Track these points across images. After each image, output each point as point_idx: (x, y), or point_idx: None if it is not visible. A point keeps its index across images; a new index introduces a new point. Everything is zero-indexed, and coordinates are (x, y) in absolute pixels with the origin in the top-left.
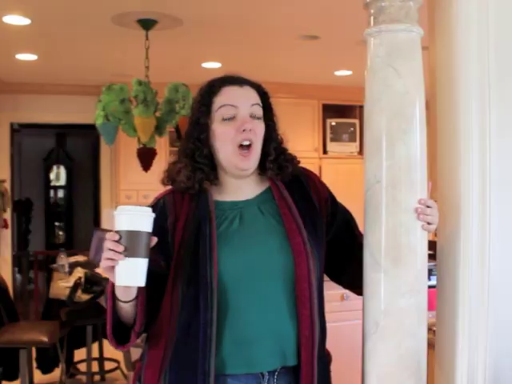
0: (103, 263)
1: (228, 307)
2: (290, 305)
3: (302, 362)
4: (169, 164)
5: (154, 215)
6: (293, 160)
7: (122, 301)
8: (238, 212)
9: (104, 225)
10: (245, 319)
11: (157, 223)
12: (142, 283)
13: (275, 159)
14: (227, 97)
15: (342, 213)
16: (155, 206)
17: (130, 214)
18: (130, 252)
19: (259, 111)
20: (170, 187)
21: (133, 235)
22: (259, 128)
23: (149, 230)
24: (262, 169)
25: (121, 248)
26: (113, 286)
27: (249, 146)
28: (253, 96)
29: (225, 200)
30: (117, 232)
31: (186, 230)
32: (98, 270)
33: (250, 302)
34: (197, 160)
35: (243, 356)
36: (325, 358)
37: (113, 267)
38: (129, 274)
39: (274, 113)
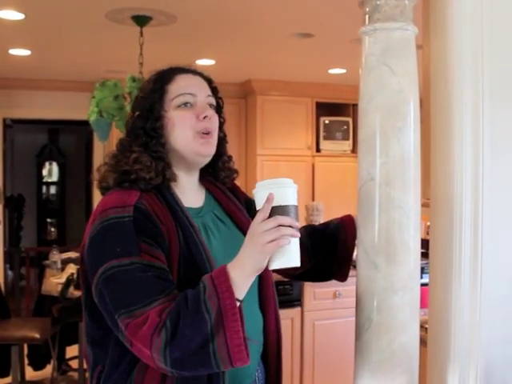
0: (274, 244)
1: None
2: (258, 303)
3: (270, 357)
4: (108, 161)
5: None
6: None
7: (240, 300)
8: (199, 220)
9: None
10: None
11: (153, 225)
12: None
13: (228, 161)
14: (184, 85)
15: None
16: (139, 211)
17: (281, 187)
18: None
19: (214, 102)
20: (118, 190)
21: (295, 209)
22: (216, 118)
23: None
24: (209, 170)
25: (298, 224)
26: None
27: (208, 134)
28: (206, 87)
29: (187, 206)
30: (277, 208)
31: (176, 237)
32: None
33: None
34: (153, 149)
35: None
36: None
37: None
38: (298, 254)
39: (223, 110)
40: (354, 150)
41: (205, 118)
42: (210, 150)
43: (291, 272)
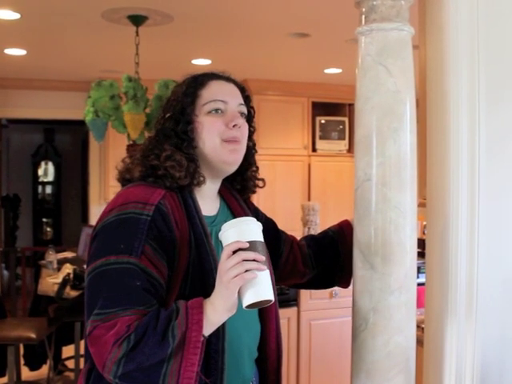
0: (238, 278)
1: (227, 327)
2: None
3: (269, 372)
4: (135, 155)
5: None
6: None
7: (205, 337)
8: (213, 229)
9: (92, 221)
10: (238, 342)
11: (168, 230)
12: (273, 297)
13: (256, 171)
14: (216, 91)
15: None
16: (159, 213)
17: (246, 225)
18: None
19: (245, 111)
20: (143, 185)
21: (260, 245)
22: (246, 127)
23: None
24: (237, 179)
25: (263, 257)
26: (199, 326)
27: (236, 143)
28: (239, 95)
29: (204, 214)
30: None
31: (188, 243)
32: None
33: (239, 321)
34: (185, 151)
35: (238, 368)
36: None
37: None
38: (269, 287)
39: (254, 119)
40: (350, 149)
41: (234, 126)
42: (237, 157)
43: (294, 282)
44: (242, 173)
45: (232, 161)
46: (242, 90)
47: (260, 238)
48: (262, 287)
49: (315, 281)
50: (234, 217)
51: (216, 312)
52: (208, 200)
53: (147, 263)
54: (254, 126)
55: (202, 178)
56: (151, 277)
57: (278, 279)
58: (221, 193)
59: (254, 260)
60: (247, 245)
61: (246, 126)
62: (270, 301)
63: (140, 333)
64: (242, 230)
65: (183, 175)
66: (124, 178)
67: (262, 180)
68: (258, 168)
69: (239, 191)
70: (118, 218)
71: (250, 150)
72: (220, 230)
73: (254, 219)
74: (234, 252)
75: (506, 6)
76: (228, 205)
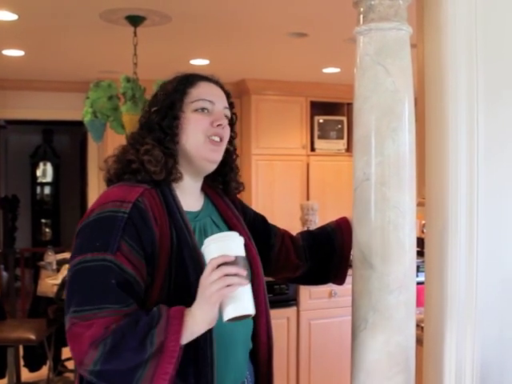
0: (220, 292)
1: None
2: None
3: (261, 363)
4: (117, 153)
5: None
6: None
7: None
8: (196, 224)
9: None
10: (231, 334)
11: (146, 227)
12: (254, 311)
13: (236, 174)
14: (205, 91)
15: (252, 213)
16: (137, 210)
17: (228, 240)
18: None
19: (229, 115)
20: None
21: (242, 260)
22: (228, 129)
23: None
24: (219, 180)
25: (245, 272)
26: (178, 333)
27: (219, 142)
28: (225, 99)
29: (186, 210)
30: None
31: (169, 238)
32: None
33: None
34: (166, 145)
35: (232, 363)
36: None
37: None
38: (249, 302)
39: (235, 126)
40: (349, 148)
41: (219, 125)
42: (217, 157)
43: (288, 275)
44: (223, 175)
45: (212, 159)
46: (228, 95)
47: (242, 252)
48: (242, 302)
49: (309, 275)
50: (219, 213)
51: (196, 323)
52: (191, 196)
53: (123, 259)
54: (235, 132)
55: (179, 175)
56: (127, 273)
57: (272, 273)
58: (205, 190)
59: (235, 275)
60: (232, 258)
61: (228, 128)
62: (250, 315)
63: (118, 336)
64: (225, 245)
65: (158, 170)
66: (107, 179)
67: (242, 184)
68: (238, 171)
69: (223, 191)
70: (97, 216)
71: (231, 155)
72: (203, 244)
73: (237, 234)
74: (218, 266)
75: (504, 5)
76: (212, 201)
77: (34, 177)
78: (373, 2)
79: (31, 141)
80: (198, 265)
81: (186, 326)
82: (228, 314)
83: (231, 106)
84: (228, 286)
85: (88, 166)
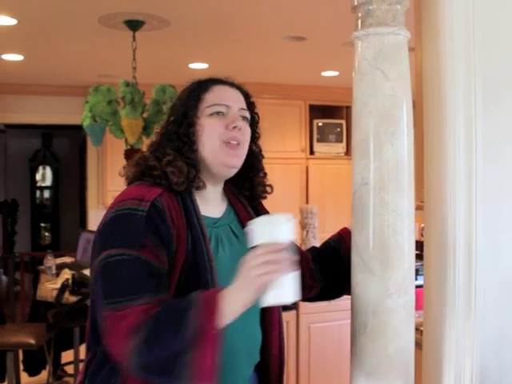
0: (263, 278)
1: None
2: (261, 328)
3: (271, 379)
4: (137, 159)
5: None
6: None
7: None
8: (213, 231)
9: (90, 226)
10: (232, 347)
11: (164, 225)
12: (297, 298)
13: (263, 177)
14: (219, 96)
15: None
16: (155, 209)
17: (278, 224)
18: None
19: (248, 116)
20: (141, 184)
21: (292, 245)
22: (247, 129)
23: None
24: (246, 186)
25: (294, 259)
26: (213, 320)
27: (236, 145)
28: (242, 100)
29: (205, 215)
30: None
31: (185, 241)
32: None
33: (237, 327)
34: (186, 155)
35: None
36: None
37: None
38: (293, 289)
39: (259, 125)
40: (348, 152)
41: (234, 128)
42: (237, 161)
43: (303, 296)
44: (250, 179)
45: (231, 164)
46: (247, 96)
47: (291, 237)
48: (286, 290)
49: (324, 293)
50: (240, 222)
51: (232, 305)
52: (212, 202)
53: (148, 254)
54: (258, 132)
55: (201, 184)
56: (154, 267)
57: None
58: (228, 198)
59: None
60: (282, 246)
61: (247, 130)
62: (290, 303)
63: (154, 322)
64: (275, 229)
65: (181, 181)
66: (128, 183)
67: (270, 186)
68: (266, 174)
69: (248, 198)
70: (116, 214)
71: (257, 156)
72: (251, 224)
73: (288, 216)
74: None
75: (502, 9)
76: (235, 210)
77: (34, 181)
78: (371, 7)
79: (30, 145)
80: (211, 272)
81: (222, 308)
82: (267, 301)
83: (251, 105)
84: (272, 272)
85: (87, 170)
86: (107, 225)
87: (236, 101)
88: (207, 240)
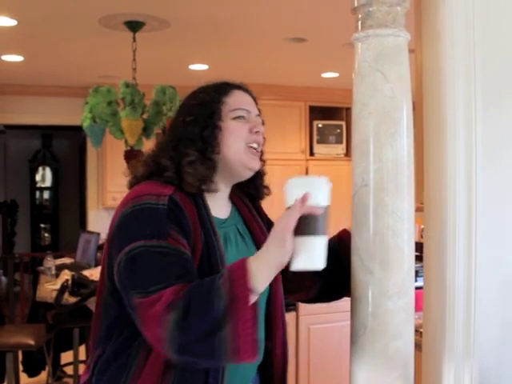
0: (299, 238)
1: None
2: (265, 329)
3: (275, 380)
4: (145, 158)
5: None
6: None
7: (256, 292)
8: (221, 230)
9: (90, 226)
10: None
11: (184, 218)
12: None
13: (263, 180)
14: (240, 100)
15: None
16: (173, 203)
17: (317, 189)
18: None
19: (261, 122)
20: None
21: (326, 210)
22: (263, 136)
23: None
24: (249, 187)
25: (327, 223)
26: (247, 289)
27: (257, 149)
28: (256, 106)
29: (214, 215)
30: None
31: (200, 238)
32: (85, 272)
33: None
34: (209, 157)
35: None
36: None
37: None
38: (322, 255)
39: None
40: (348, 153)
41: (257, 132)
42: (257, 164)
43: (302, 297)
44: (253, 181)
45: (252, 166)
46: (256, 102)
47: (324, 202)
48: (317, 254)
49: (323, 294)
50: (245, 223)
51: (265, 265)
52: (220, 202)
53: (175, 243)
54: (264, 137)
55: (213, 187)
56: (182, 253)
57: (286, 292)
58: (232, 199)
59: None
60: (319, 211)
61: (263, 135)
62: (319, 269)
63: (186, 299)
64: (315, 192)
65: (194, 183)
66: (134, 183)
67: (267, 188)
68: (264, 174)
69: (251, 199)
70: (135, 208)
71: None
72: (287, 184)
73: (323, 180)
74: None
75: (502, 10)
76: (239, 211)
77: (33, 181)
78: (371, 9)
79: (30, 145)
80: (222, 268)
81: (253, 271)
82: (297, 264)
83: (259, 111)
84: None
85: (87, 171)
86: (127, 219)
87: (253, 106)
88: (218, 238)
